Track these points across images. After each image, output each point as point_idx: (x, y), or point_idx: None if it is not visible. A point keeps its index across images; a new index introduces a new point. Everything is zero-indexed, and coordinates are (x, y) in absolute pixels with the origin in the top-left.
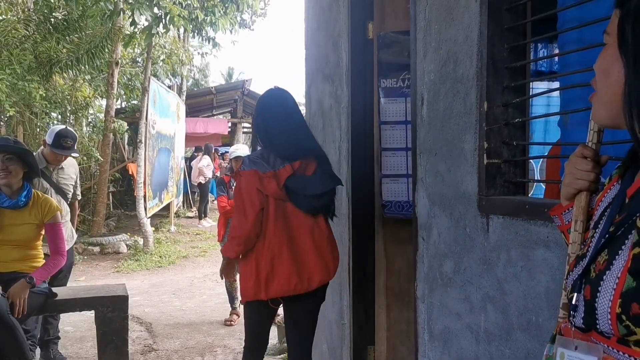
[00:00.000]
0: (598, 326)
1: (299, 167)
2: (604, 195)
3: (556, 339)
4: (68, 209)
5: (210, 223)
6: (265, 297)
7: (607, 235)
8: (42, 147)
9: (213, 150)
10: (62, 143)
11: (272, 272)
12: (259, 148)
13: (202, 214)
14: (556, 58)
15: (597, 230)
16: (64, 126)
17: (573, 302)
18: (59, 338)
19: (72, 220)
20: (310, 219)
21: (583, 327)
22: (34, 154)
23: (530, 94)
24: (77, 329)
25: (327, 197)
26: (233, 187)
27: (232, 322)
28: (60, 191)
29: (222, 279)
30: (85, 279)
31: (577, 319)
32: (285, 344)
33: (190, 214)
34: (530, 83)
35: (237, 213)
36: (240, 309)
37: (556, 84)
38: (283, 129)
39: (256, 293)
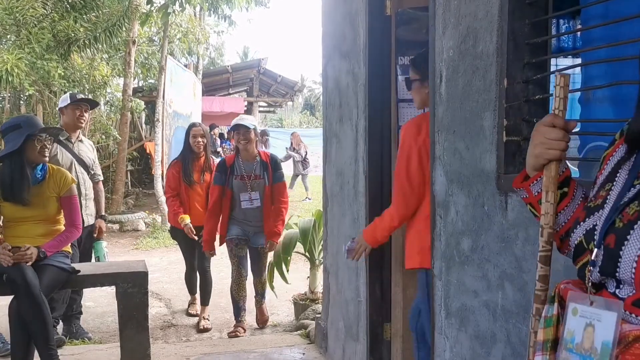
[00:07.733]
0: (617, 274)
1: None
2: (615, 151)
3: (568, 295)
4: (91, 184)
5: None
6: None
7: (632, 188)
8: (60, 122)
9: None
10: (77, 96)
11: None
12: None
13: None
14: (579, 34)
15: (613, 184)
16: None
17: (593, 257)
18: (81, 313)
19: (99, 201)
20: None
21: (597, 281)
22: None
23: (554, 70)
24: (98, 304)
25: None
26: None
27: (238, 334)
28: (84, 164)
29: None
30: None
31: (594, 274)
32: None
33: None
34: (555, 59)
35: None
36: (246, 323)
37: (580, 60)
38: None
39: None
